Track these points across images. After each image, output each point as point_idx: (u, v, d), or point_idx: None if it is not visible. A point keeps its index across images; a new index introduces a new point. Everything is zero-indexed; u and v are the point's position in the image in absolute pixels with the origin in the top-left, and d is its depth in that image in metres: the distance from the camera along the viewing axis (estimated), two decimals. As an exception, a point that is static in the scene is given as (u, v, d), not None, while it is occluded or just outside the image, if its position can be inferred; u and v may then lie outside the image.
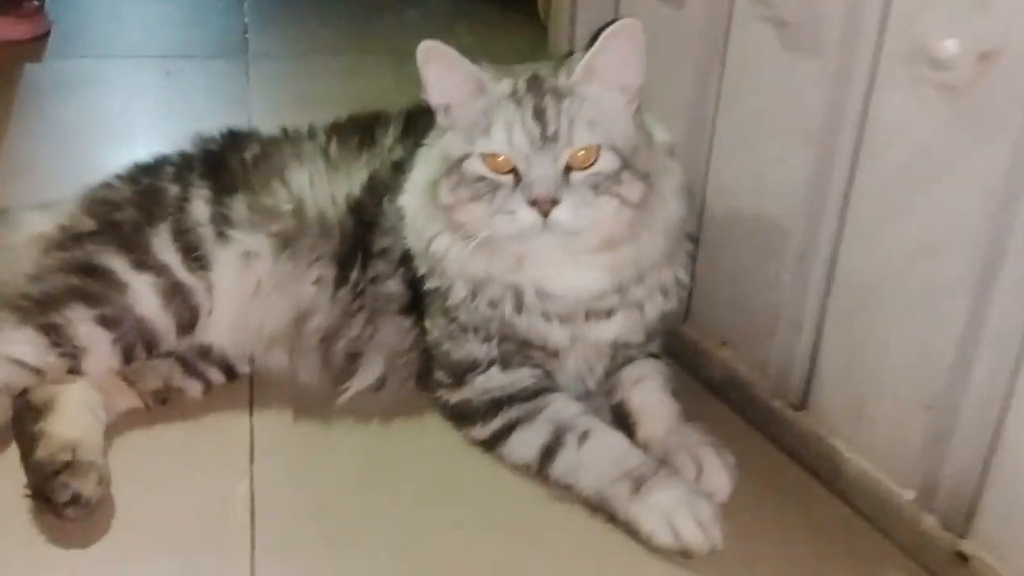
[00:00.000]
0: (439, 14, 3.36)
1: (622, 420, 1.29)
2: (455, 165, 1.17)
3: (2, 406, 1.22)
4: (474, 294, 1.23)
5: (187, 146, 1.49)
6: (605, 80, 1.14)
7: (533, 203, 1.10)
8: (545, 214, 1.10)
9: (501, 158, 1.13)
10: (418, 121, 1.43)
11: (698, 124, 1.28)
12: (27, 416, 1.20)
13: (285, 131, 1.49)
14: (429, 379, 1.33)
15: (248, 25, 3.15)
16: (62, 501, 1.08)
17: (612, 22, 1.11)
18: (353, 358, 1.33)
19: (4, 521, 1.10)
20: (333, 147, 1.42)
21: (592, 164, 1.12)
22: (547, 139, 1.11)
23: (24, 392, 1.23)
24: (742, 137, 1.21)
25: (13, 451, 1.19)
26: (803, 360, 1.19)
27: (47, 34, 2.91)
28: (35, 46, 2.82)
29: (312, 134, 1.46)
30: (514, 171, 1.12)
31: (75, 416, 1.20)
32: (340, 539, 1.13)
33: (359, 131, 1.44)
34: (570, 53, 1.23)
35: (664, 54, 1.27)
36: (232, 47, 2.97)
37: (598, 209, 1.12)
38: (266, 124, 2.43)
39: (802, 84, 1.09)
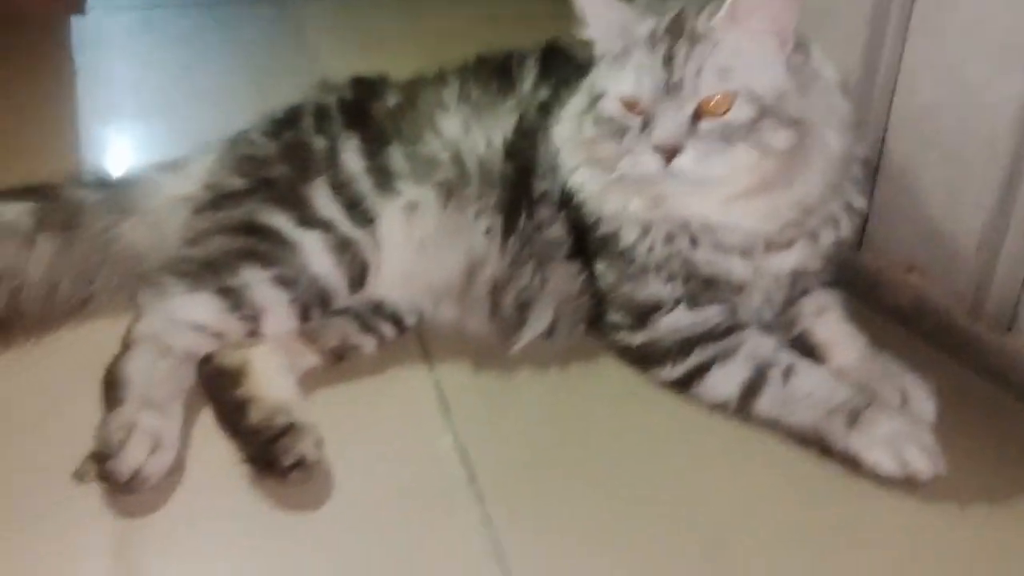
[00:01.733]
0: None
1: (806, 352, 1.27)
2: (595, 100, 1.18)
3: (187, 373, 1.19)
4: (644, 233, 1.22)
5: (313, 94, 1.45)
6: (750, 25, 1.11)
7: (656, 148, 1.09)
8: (667, 160, 1.09)
9: (631, 100, 1.12)
10: (554, 60, 1.41)
11: (878, 46, 1.25)
12: (222, 381, 1.17)
13: (414, 79, 1.45)
14: (601, 322, 1.31)
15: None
16: (287, 465, 1.06)
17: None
18: (523, 307, 1.31)
19: (226, 490, 1.08)
20: (474, 92, 1.38)
21: (723, 113, 1.10)
22: (672, 87, 1.10)
23: (207, 358, 1.20)
24: (942, 60, 1.18)
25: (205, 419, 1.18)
26: (1011, 281, 1.18)
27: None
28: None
29: (443, 79, 1.42)
30: (644, 114, 1.12)
31: (276, 379, 1.17)
32: (557, 483, 1.11)
33: (495, 74, 1.41)
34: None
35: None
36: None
37: (733, 158, 1.10)
38: (336, 68, 2.40)
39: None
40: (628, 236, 1.23)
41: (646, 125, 1.11)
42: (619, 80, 1.14)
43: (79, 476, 1.07)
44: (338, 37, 2.55)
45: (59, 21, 2.60)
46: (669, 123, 1.09)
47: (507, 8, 2.70)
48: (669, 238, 1.22)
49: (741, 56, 1.10)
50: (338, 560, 1.01)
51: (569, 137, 1.24)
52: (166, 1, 2.79)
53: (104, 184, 1.41)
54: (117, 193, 1.38)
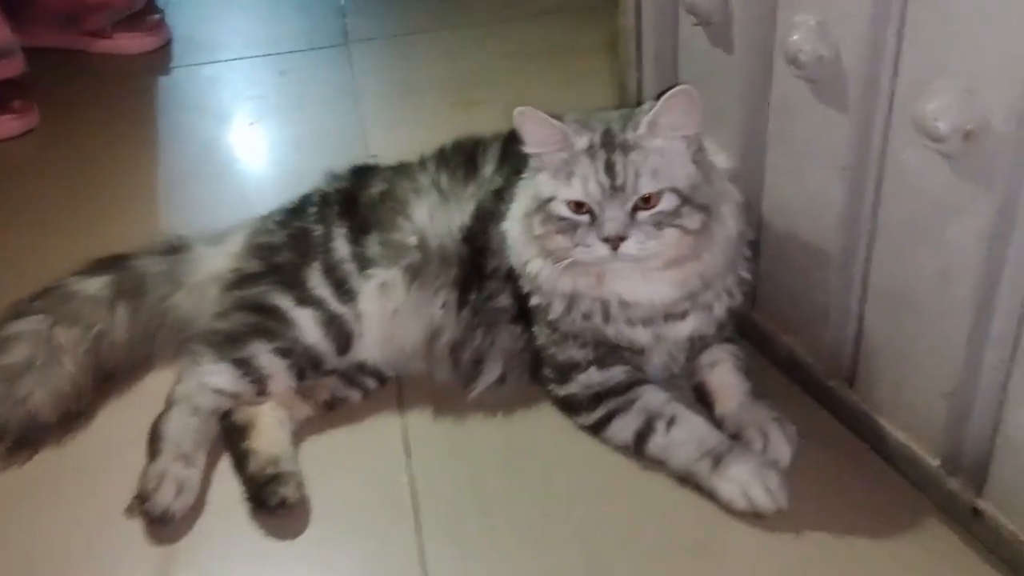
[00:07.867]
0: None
1: (702, 399, 1.56)
2: (544, 204, 1.44)
3: (212, 427, 1.56)
4: (569, 309, 1.50)
5: (322, 183, 1.79)
6: (666, 133, 1.38)
7: (605, 240, 1.36)
8: (615, 248, 1.36)
9: (580, 202, 1.39)
10: (512, 148, 1.69)
11: (751, 151, 1.49)
12: (234, 435, 1.54)
13: (402, 165, 1.77)
14: (540, 374, 1.62)
15: (345, 8, 3.37)
16: (272, 505, 1.43)
17: (671, 87, 1.35)
18: (478, 363, 1.63)
19: (233, 521, 1.45)
20: (443, 179, 1.69)
21: (655, 205, 1.37)
22: (616, 189, 1.36)
23: (227, 413, 1.57)
24: (789, 167, 1.43)
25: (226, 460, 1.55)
26: (850, 349, 1.43)
27: (169, 43, 3.20)
28: (159, 56, 3.11)
29: (423, 165, 1.74)
30: (590, 212, 1.38)
31: (272, 434, 1.53)
32: (490, 514, 1.42)
33: (463, 162, 1.71)
34: (639, 103, 1.46)
35: (719, 88, 1.49)
36: (333, 34, 3.19)
37: (661, 239, 1.37)
38: (373, 113, 2.74)
39: (834, 130, 1.30)
40: (556, 310, 1.52)
41: (594, 221, 1.38)
42: (567, 187, 1.39)
43: (129, 511, 1.46)
44: (381, 83, 2.84)
45: (148, 81, 3.00)
46: (615, 219, 1.36)
47: (533, 43, 2.97)
48: (587, 315, 1.50)
49: (663, 158, 1.38)
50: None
51: (519, 234, 1.50)
52: (238, 54, 3.10)
53: (166, 253, 1.79)
54: (172, 266, 1.76)
